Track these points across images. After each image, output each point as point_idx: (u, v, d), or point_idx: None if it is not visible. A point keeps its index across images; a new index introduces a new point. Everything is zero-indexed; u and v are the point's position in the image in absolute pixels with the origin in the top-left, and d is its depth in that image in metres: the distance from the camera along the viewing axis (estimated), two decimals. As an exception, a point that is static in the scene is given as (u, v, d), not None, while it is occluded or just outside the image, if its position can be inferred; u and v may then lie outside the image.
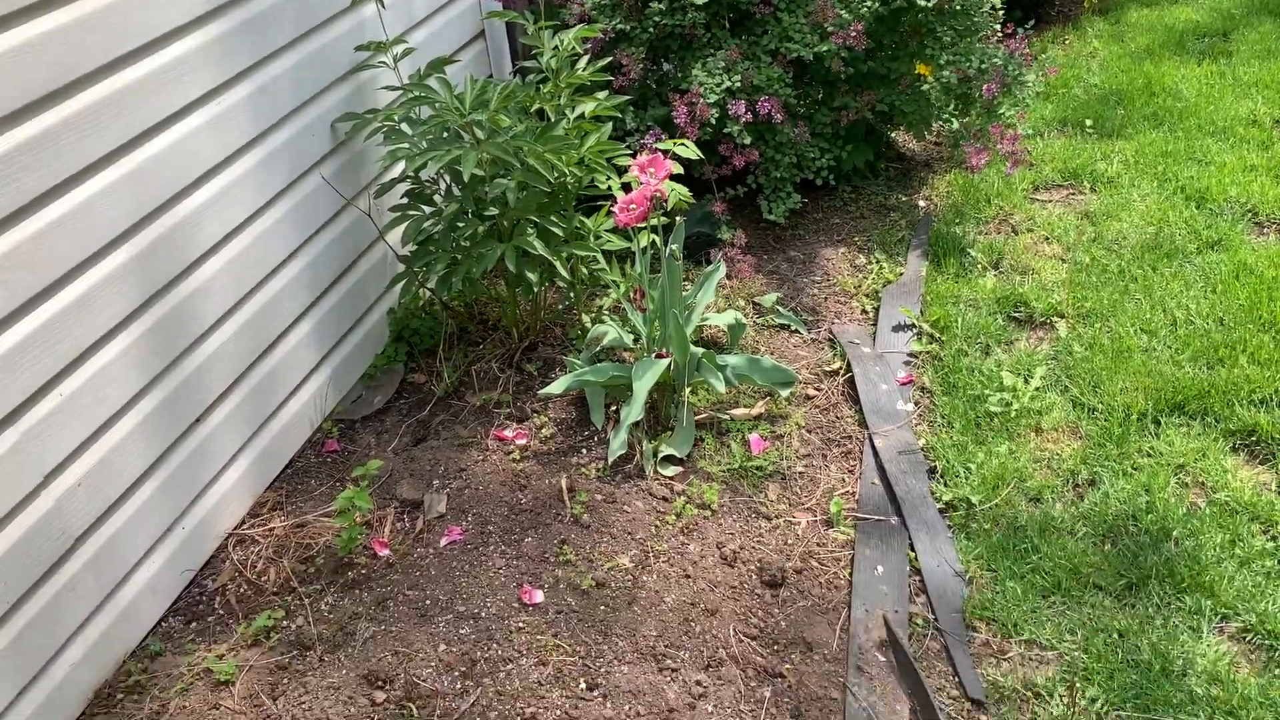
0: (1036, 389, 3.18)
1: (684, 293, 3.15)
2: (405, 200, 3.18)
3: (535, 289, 3.17)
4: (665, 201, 2.92)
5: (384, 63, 3.16)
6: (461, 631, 2.44)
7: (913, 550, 2.73)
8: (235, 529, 2.79)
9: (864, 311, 3.66)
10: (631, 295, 3.28)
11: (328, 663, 2.40)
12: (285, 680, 2.37)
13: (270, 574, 2.66)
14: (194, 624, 2.56)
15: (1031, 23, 4.54)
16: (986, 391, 3.19)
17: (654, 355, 3.02)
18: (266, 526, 2.79)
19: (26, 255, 2.10)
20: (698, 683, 2.35)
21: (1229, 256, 3.69)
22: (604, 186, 3.22)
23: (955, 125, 4.09)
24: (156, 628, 2.54)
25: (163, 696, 2.34)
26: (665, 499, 2.84)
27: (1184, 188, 4.14)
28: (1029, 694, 2.37)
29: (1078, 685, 2.36)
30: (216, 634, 2.51)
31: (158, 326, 2.46)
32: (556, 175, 2.97)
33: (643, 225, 2.96)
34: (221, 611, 2.58)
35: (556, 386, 3.04)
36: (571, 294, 3.44)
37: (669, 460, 2.96)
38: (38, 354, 2.14)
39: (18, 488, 2.12)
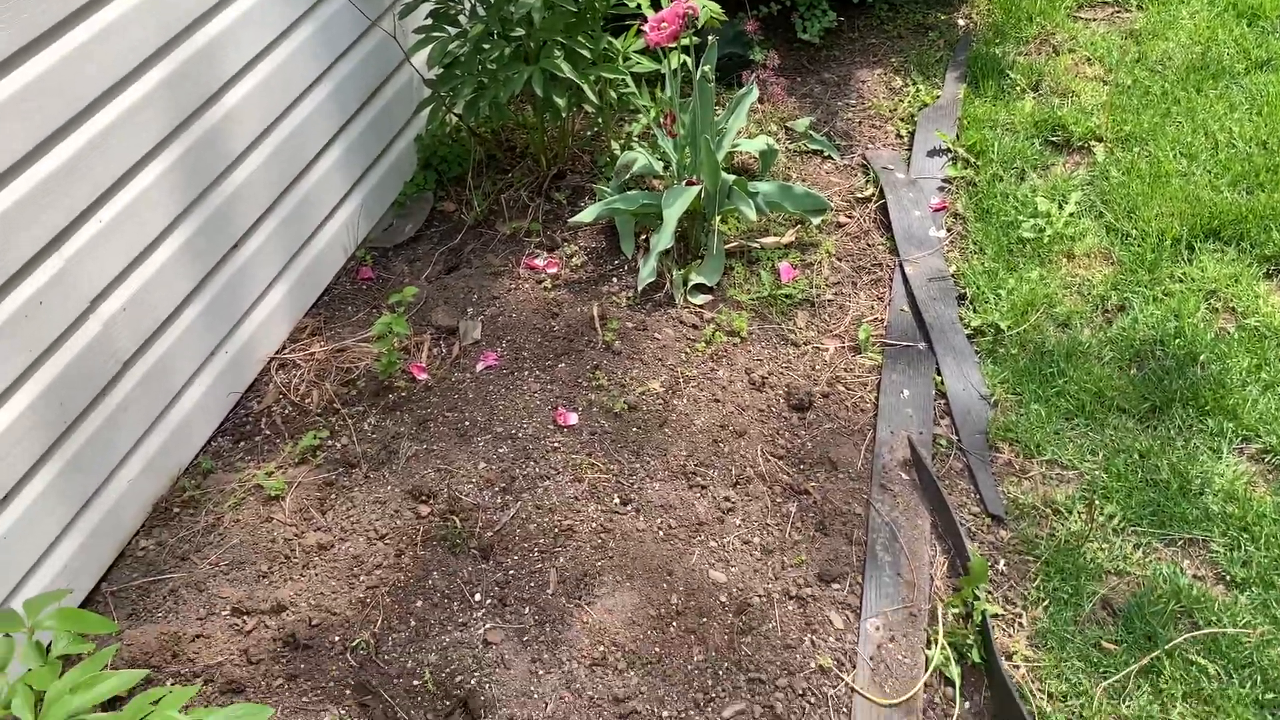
0: (1071, 215, 3.14)
1: (715, 117, 3.09)
2: (429, 21, 3.10)
3: (563, 114, 3.12)
4: (697, 19, 2.83)
5: (403, -127, 3.04)
6: (500, 451, 2.53)
7: (939, 375, 2.77)
8: (277, 353, 2.86)
9: (899, 136, 3.60)
10: (661, 120, 3.22)
11: (373, 479, 2.51)
12: (333, 495, 2.48)
13: (313, 396, 2.74)
14: (242, 443, 2.66)
15: None
16: (1020, 217, 3.16)
17: (684, 182, 3.00)
18: (307, 351, 2.87)
19: (56, 81, 2.09)
20: (726, 499, 2.45)
21: (1278, 77, 3.56)
22: (633, 4, 3.12)
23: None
24: (207, 447, 2.65)
25: (217, 510, 2.47)
26: (695, 326, 2.88)
27: (1235, 4, 3.97)
28: (1048, 510, 2.45)
29: (1097, 503, 2.43)
30: (265, 452, 2.61)
31: (190, 152, 2.46)
32: (585, -7, 2.89)
33: (673, 45, 2.88)
34: (268, 431, 2.68)
35: (586, 215, 3.03)
36: (600, 119, 3.39)
37: (699, 289, 2.98)
38: (76, 179, 2.16)
39: (67, 312, 2.18)
